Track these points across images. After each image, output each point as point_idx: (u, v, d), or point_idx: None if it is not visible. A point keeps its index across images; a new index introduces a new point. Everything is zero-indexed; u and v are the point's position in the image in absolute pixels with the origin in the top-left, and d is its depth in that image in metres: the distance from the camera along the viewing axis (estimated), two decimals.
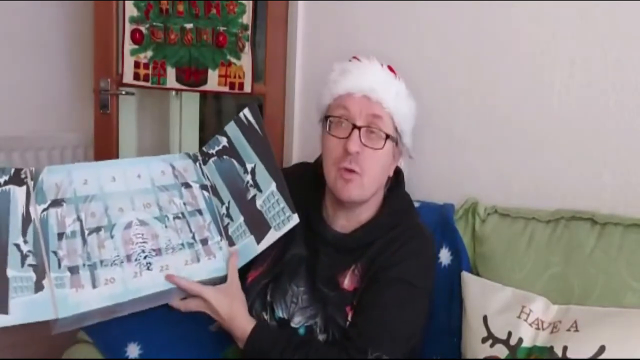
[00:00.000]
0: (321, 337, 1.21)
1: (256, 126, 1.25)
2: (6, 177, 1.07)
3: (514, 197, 1.51)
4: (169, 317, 1.47)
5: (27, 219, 1.06)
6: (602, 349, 1.12)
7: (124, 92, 2.10)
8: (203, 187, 1.27)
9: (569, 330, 1.18)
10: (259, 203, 1.22)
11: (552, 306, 1.24)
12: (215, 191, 1.28)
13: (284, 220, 1.19)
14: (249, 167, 1.25)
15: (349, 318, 1.21)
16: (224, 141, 1.30)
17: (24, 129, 2.39)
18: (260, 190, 1.23)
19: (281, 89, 1.93)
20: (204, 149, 1.32)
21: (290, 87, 1.90)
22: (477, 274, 1.41)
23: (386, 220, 1.28)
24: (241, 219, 1.24)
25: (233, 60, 1.90)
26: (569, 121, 1.44)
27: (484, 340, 1.27)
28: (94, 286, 1.06)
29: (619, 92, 1.38)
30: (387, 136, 1.23)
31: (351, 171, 1.22)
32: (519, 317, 1.24)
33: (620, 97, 1.38)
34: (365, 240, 1.26)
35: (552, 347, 1.17)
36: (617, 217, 1.32)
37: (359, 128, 1.22)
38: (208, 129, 3.06)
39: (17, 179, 1.08)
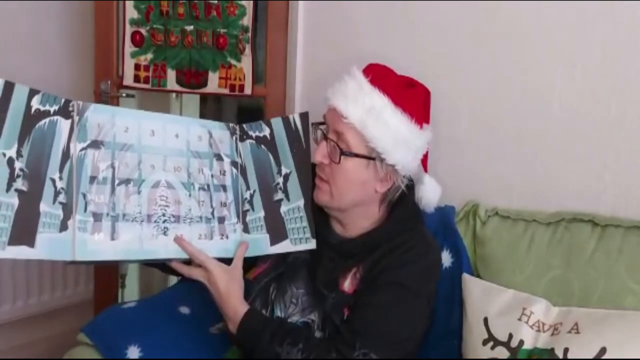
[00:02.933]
0: (317, 334, 1.22)
1: (302, 136, 1.26)
2: (57, 107, 1.06)
3: (514, 199, 1.51)
4: (169, 319, 1.47)
5: (66, 155, 1.06)
6: (603, 350, 1.12)
7: (124, 95, 2.10)
8: (233, 163, 1.28)
9: (569, 332, 1.18)
10: (283, 209, 1.25)
11: (552, 308, 1.25)
12: (243, 172, 1.28)
13: (301, 239, 1.22)
14: (284, 170, 1.26)
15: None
16: (266, 131, 1.29)
17: None
18: (287, 199, 1.25)
19: (282, 90, 1.94)
20: (244, 126, 1.31)
21: (291, 89, 1.90)
22: (478, 276, 1.41)
23: (391, 228, 1.27)
24: (262, 213, 1.25)
25: (233, 62, 1.90)
26: (569, 123, 1.45)
27: (484, 342, 1.27)
28: (112, 238, 1.08)
29: (619, 94, 1.38)
30: (342, 152, 1.19)
31: (321, 178, 1.24)
32: (519, 319, 1.24)
33: (621, 99, 1.38)
34: (368, 246, 1.26)
35: (553, 349, 1.17)
36: (618, 219, 1.32)
37: (327, 139, 1.22)
38: None
39: (65, 110, 1.07)
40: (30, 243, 0.98)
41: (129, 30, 1.96)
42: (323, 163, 1.22)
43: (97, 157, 1.10)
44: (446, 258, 1.45)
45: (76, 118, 1.08)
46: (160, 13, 1.93)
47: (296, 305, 1.25)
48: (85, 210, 1.06)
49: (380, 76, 1.24)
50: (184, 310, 1.51)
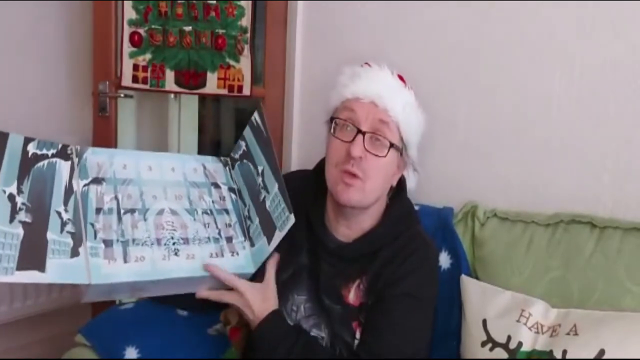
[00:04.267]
0: None
1: (262, 127, 1.28)
2: (54, 151, 1.14)
3: (513, 200, 1.50)
4: (167, 320, 1.47)
5: (69, 190, 1.12)
6: (601, 352, 1.12)
7: (122, 95, 2.10)
8: (231, 189, 1.32)
9: (568, 334, 1.18)
10: (267, 204, 1.25)
11: (551, 310, 1.24)
12: (240, 194, 1.32)
13: (284, 220, 1.21)
14: (259, 169, 1.28)
15: (357, 335, 1.20)
16: (243, 145, 1.34)
17: (23, 131, 2.38)
18: (267, 192, 1.25)
19: (280, 91, 1.93)
20: (231, 154, 1.37)
21: (290, 89, 1.90)
22: (477, 278, 1.41)
23: (388, 229, 1.27)
24: (257, 220, 1.27)
25: (232, 63, 1.90)
26: (568, 125, 1.45)
27: (483, 344, 1.27)
28: (125, 261, 1.11)
29: (618, 96, 1.38)
30: (391, 145, 1.22)
31: (353, 175, 1.20)
32: (518, 320, 1.24)
33: (620, 100, 1.38)
34: (367, 250, 1.25)
35: (551, 351, 1.17)
36: (617, 220, 1.32)
37: (364, 133, 1.20)
38: (207, 132, 3.05)
39: (63, 153, 1.15)
40: (41, 268, 1.01)
41: (127, 30, 1.95)
42: (360, 158, 1.20)
43: (100, 191, 1.16)
44: (445, 259, 1.45)
45: (75, 159, 1.16)
46: (159, 13, 1.93)
47: (296, 313, 1.25)
48: (95, 237, 1.10)
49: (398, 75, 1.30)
50: (182, 311, 1.51)
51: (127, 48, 1.96)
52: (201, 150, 2.61)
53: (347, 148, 1.20)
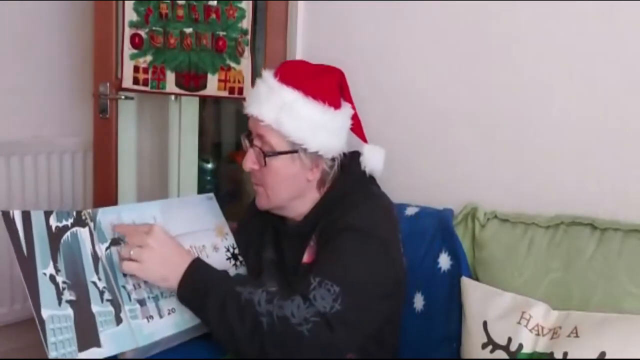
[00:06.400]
0: None
1: None
2: (72, 220, 1.17)
3: (513, 202, 1.50)
4: None
5: (95, 258, 1.16)
6: (602, 354, 1.12)
7: (123, 97, 2.10)
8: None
9: (569, 336, 1.18)
10: None
11: (552, 312, 1.24)
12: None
13: None
14: None
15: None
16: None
17: (23, 133, 2.39)
18: None
19: None
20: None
21: None
22: (477, 279, 1.41)
23: (337, 194, 1.30)
24: None
25: (233, 64, 1.90)
26: (568, 126, 1.45)
27: (484, 346, 1.27)
28: (161, 316, 1.18)
29: (618, 97, 1.38)
30: (265, 154, 1.25)
31: (256, 183, 1.31)
32: (519, 322, 1.24)
33: (619, 102, 1.38)
34: (319, 217, 1.30)
35: (552, 353, 1.17)
36: (617, 222, 1.32)
37: (252, 147, 1.28)
38: (207, 134, 3.05)
39: (79, 220, 1.18)
40: (97, 344, 1.07)
41: (128, 32, 1.96)
42: (254, 169, 1.28)
43: (120, 252, 1.19)
44: (445, 261, 1.45)
45: (91, 224, 1.19)
46: (160, 15, 1.93)
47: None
48: (130, 299, 1.16)
49: (288, 72, 1.29)
50: None
51: (127, 50, 1.97)
52: (201, 152, 2.61)
53: None
